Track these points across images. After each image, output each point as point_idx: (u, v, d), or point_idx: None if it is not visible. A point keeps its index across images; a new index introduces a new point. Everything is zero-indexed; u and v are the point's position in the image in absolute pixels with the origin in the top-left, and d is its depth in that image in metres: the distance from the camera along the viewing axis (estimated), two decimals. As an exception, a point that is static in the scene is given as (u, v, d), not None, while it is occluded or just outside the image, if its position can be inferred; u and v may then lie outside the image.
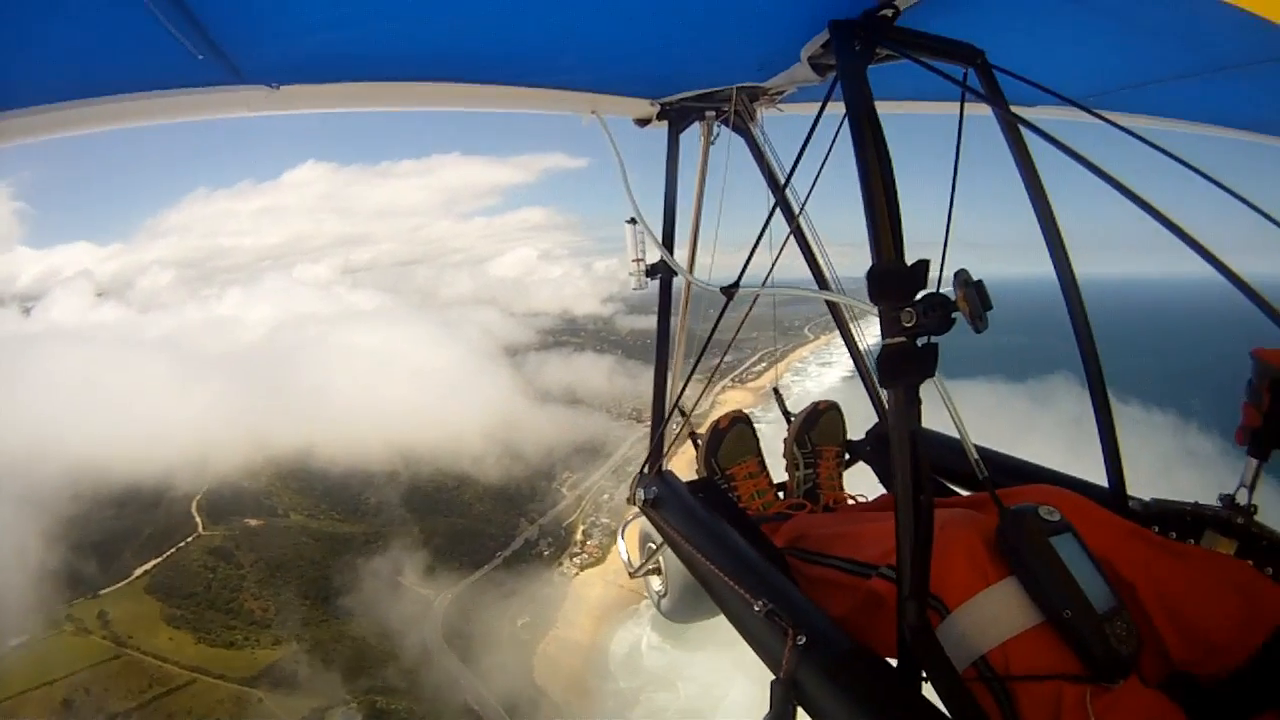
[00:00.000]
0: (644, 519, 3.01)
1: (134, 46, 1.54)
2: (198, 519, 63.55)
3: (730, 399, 77.30)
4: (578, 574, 64.36)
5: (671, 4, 1.90)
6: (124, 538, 59.38)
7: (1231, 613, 1.53)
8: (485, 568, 63.23)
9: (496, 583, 61.43)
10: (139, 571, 56.68)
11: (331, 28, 1.66)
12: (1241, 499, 1.94)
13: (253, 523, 64.39)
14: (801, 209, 2.63)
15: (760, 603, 1.80)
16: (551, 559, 66.18)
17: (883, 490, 2.83)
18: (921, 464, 1.43)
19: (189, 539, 60.92)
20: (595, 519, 70.80)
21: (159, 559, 58.11)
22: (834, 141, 1.97)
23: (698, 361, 2.86)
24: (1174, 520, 2.07)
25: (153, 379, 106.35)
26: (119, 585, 55.15)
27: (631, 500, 2.83)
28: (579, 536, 69.13)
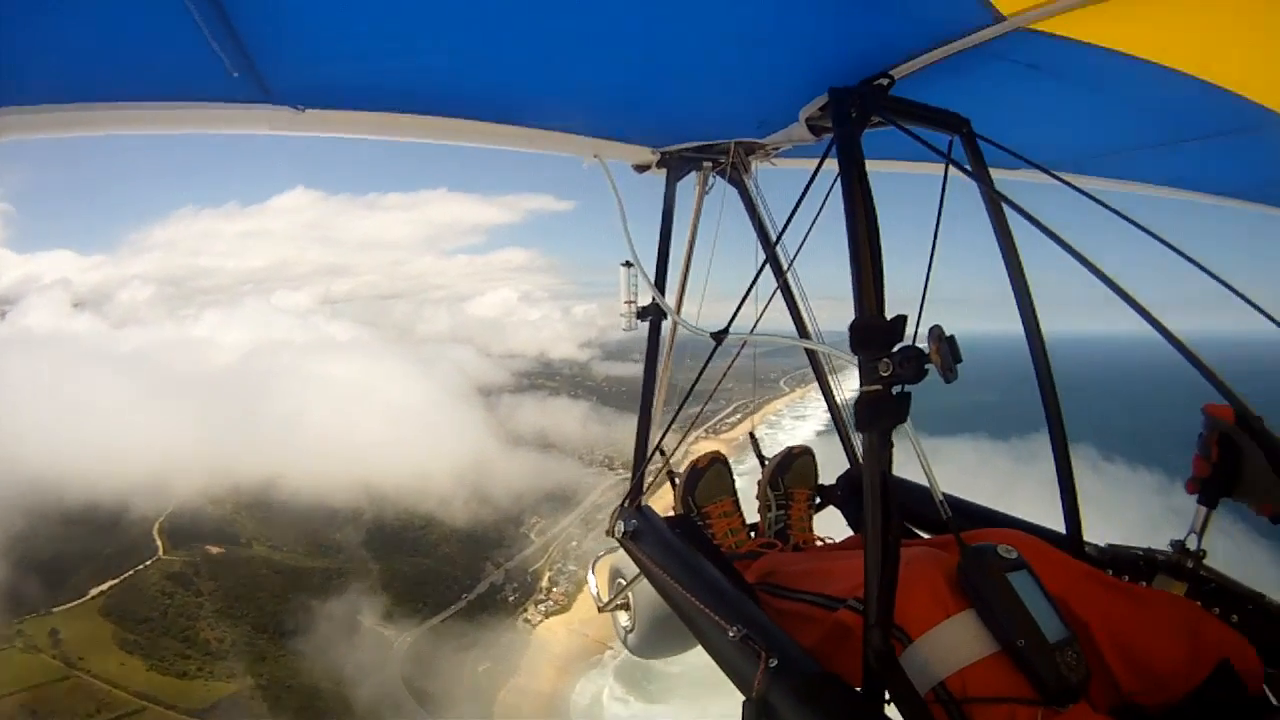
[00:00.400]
0: (613, 556, 3.15)
1: (172, 56, 1.59)
2: (159, 541, 61.94)
3: (704, 448, 77.27)
4: (542, 621, 63.72)
5: (682, 63, 2.00)
6: (82, 556, 57.59)
7: (1178, 649, 1.61)
8: (448, 611, 62.40)
9: (459, 628, 60.58)
10: (94, 591, 54.93)
11: (364, 58, 1.74)
12: (1191, 544, 2.04)
13: (214, 550, 62.85)
14: (790, 264, 2.80)
15: (735, 628, 1.86)
16: (516, 605, 65.44)
17: (851, 534, 2.96)
18: (891, 501, 1.53)
19: (148, 561, 59.30)
20: (562, 566, 70.27)
21: (116, 580, 56.43)
22: (825, 200, 2.08)
23: (684, 403, 2.93)
24: (1127, 564, 2.18)
25: (119, 395, 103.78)
26: (73, 604, 53.37)
27: (610, 532, 2.87)
28: (545, 583, 68.57)
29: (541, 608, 65.48)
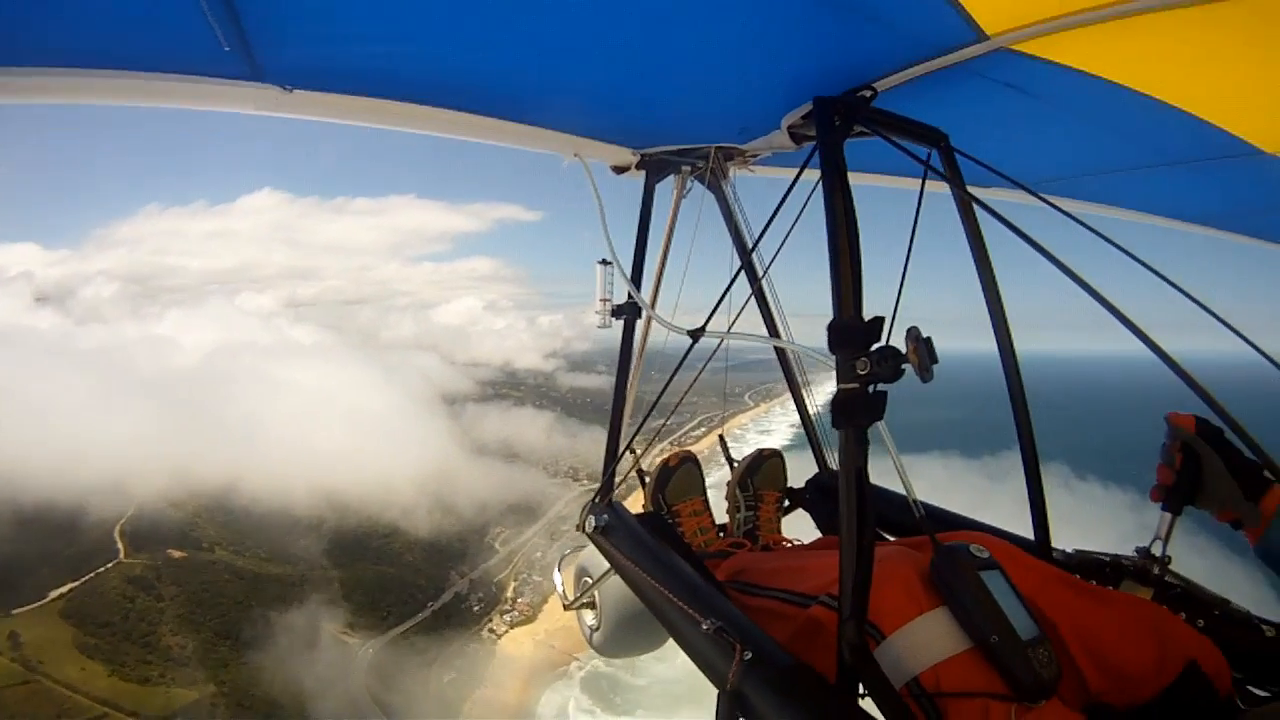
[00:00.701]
0: (579, 555, 3.18)
1: (166, 26, 1.56)
2: (120, 544, 60.56)
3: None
4: (507, 631, 63.55)
5: (669, 66, 2.01)
6: (40, 557, 56.07)
7: (1146, 651, 1.62)
8: (412, 620, 62.18)
9: (423, 639, 60.30)
10: (54, 594, 53.52)
11: (356, 40, 1.73)
12: (1156, 550, 2.05)
13: (176, 554, 61.58)
14: (766, 270, 2.76)
15: (708, 621, 1.86)
16: (481, 615, 65.36)
17: (819, 536, 2.94)
18: (866, 497, 1.56)
19: (109, 564, 58.00)
20: (527, 577, 70.09)
21: (76, 583, 55.02)
22: (804, 207, 2.11)
23: (655, 403, 2.91)
24: (1094, 569, 2.17)
25: (79, 393, 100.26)
26: (33, 606, 51.95)
27: (581, 528, 2.87)
28: (510, 594, 68.43)
29: (507, 618, 65.37)
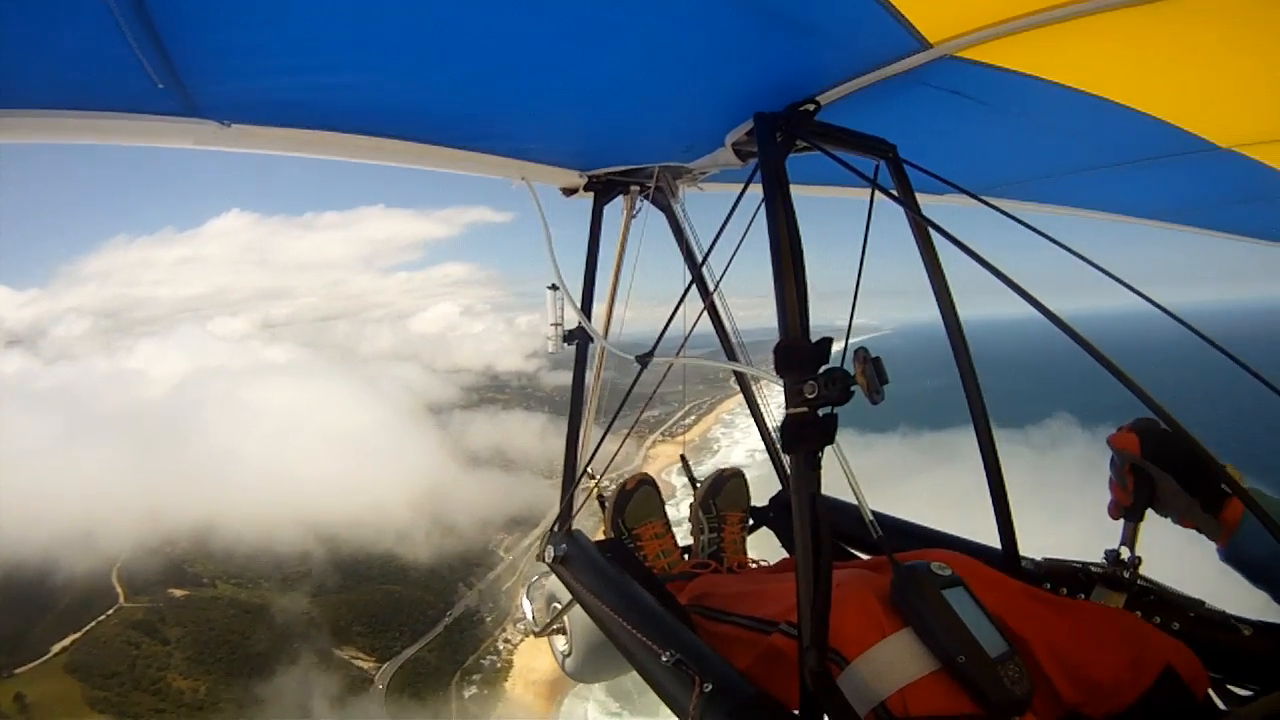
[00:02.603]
0: (549, 580, 3.14)
1: (98, 65, 1.55)
2: (119, 588, 58.67)
3: (660, 453, 77.66)
4: (522, 640, 62.75)
5: (608, 87, 2.00)
6: (37, 611, 54.11)
7: (1119, 659, 1.61)
8: (425, 639, 61.56)
9: (437, 656, 59.80)
10: (57, 648, 51.57)
11: (289, 73, 1.70)
12: (1125, 556, 2.04)
13: (178, 593, 59.86)
14: (716, 286, 2.75)
15: (668, 653, 1.85)
16: (494, 626, 65.04)
17: (785, 555, 2.93)
18: (821, 523, 1.52)
19: (109, 611, 56.09)
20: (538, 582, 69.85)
21: (78, 634, 53.07)
22: (750, 224, 2.12)
23: (610, 425, 2.89)
24: (1065, 577, 2.16)
25: (47, 437, 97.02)
26: (36, 664, 49.99)
27: (541, 558, 2.87)
28: (520, 602, 67.92)
29: (520, 626, 63.85)
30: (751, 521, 3.17)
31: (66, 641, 52.49)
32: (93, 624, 54.55)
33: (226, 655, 54.52)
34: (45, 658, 50.89)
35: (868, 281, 2.23)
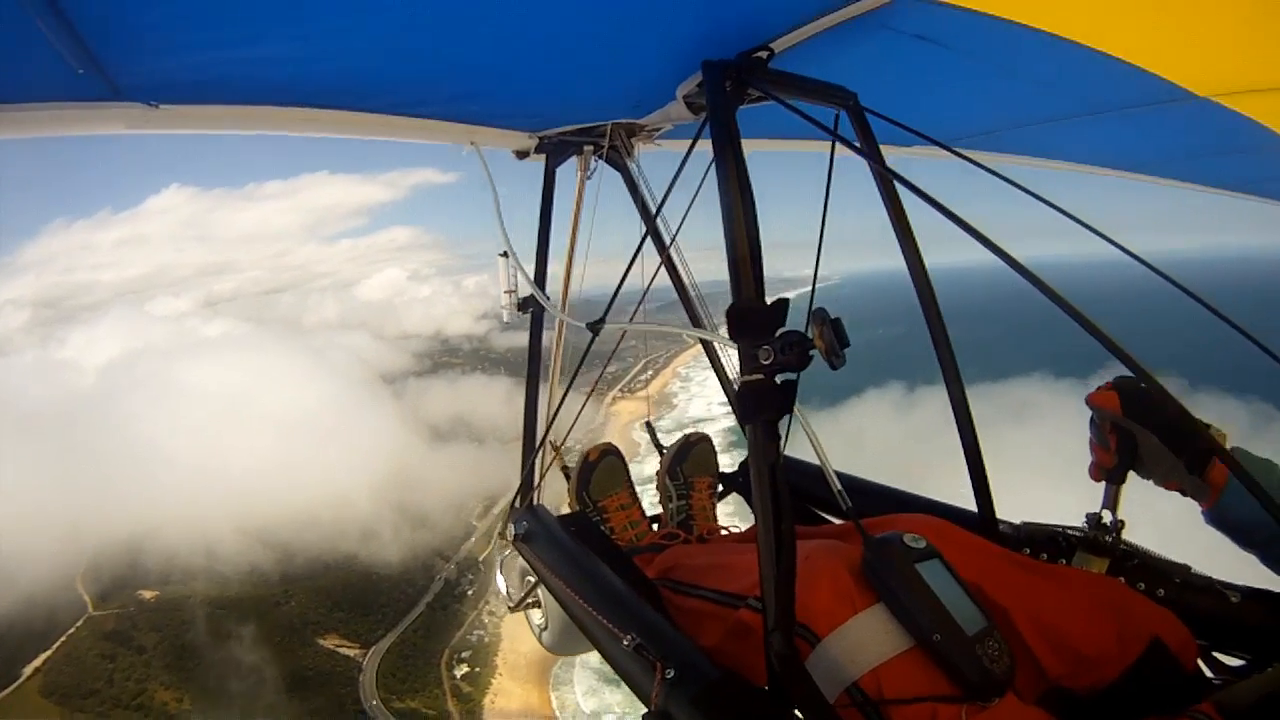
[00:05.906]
0: None
1: (14, 55, 1.49)
2: (85, 597, 56.13)
3: (621, 410, 76.83)
4: (507, 613, 63.08)
5: (553, 42, 1.91)
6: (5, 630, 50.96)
7: (1104, 628, 1.56)
8: (408, 619, 60.67)
9: (423, 636, 59.07)
10: (29, 670, 49.16)
11: (211, 48, 1.63)
12: (1106, 519, 1.99)
13: (148, 595, 57.62)
14: (672, 241, 2.68)
15: (629, 637, 1.79)
16: (477, 598, 64.23)
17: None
18: (782, 497, 1.47)
19: (78, 622, 53.64)
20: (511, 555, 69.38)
21: (49, 651, 50.71)
22: (703, 179, 2.03)
23: (567, 391, 2.83)
24: (1045, 543, 2.10)
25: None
26: (10, 690, 47.47)
27: (503, 535, 2.81)
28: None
29: (500, 598, 64.79)
30: (721, 487, 3.09)
31: (38, 662, 50.10)
32: (63, 638, 52.20)
33: (207, 657, 52.88)
34: (18, 683, 48.51)
35: (816, 232, 2.08)
